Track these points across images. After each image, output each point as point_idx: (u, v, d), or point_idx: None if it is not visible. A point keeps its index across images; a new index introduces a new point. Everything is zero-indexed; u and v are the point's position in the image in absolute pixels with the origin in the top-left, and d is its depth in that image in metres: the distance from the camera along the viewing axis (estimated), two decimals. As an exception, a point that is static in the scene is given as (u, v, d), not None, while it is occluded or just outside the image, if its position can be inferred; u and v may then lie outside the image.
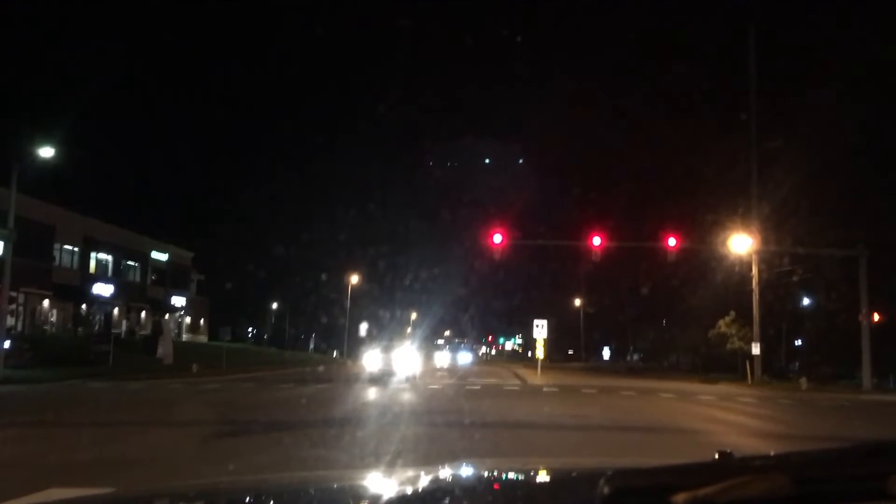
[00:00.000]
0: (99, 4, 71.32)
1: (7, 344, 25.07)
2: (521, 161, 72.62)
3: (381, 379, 27.59)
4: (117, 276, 47.27)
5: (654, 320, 58.96)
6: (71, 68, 60.15)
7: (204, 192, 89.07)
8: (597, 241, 30.42)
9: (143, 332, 47.71)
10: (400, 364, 32.38)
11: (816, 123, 34.28)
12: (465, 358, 70.72)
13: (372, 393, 21.64)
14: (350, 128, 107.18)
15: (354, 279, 56.52)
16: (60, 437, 10.40)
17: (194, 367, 29.84)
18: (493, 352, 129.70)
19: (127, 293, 48.24)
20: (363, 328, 63.74)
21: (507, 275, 68.98)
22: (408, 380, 28.06)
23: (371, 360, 32.28)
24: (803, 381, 30.73)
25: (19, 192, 25.53)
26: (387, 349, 34.49)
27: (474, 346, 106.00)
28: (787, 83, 40.17)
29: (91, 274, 44.29)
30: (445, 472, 2.53)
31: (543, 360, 38.18)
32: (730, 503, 1.17)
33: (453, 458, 8.02)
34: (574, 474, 2.26)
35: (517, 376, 36.31)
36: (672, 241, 30.32)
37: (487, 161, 68.15)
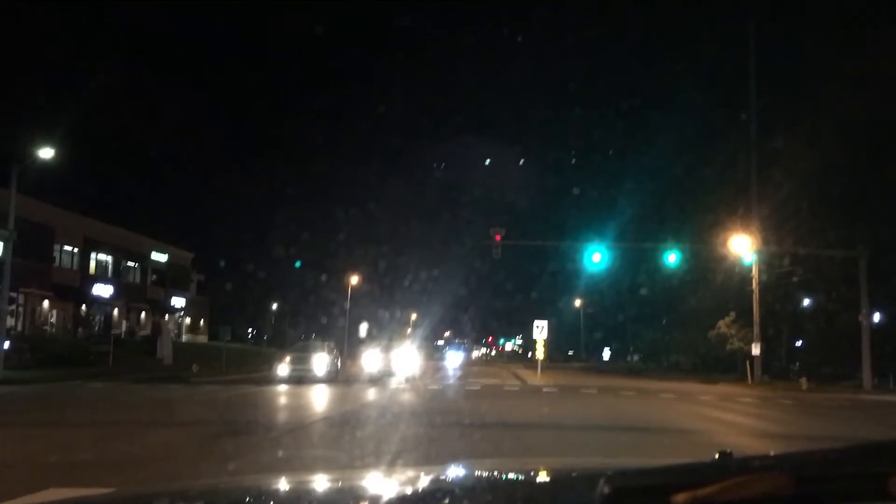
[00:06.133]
0: (99, 4, 71.33)
1: (7, 344, 25.03)
2: (521, 161, 72.67)
3: (379, 379, 27.57)
4: (117, 277, 47.23)
5: (654, 321, 58.97)
6: (71, 68, 60.15)
7: (204, 192, 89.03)
8: (596, 244, 30.53)
9: (143, 333, 47.69)
10: (399, 364, 32.31)
11: (816, 123, 34.32)
12: (455, 358, 67.47)
13: (371, 393, 21.64)
14: (350, 128, 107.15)
15: (354, 279, 56.51)
16: (60, 437, 10.40)
17: (194, 368, 29.82)
18: (493, 352, 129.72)
19: (127, 294, 48.22)
20: (363, 328, 63.69)
21: (507, 275, 69.11)
22: (407, 380, 28.06)
23: (370, 360, 32.16)
24: (803, 382, 30.73)
25: (19, 193, 25.50)
26: (386, 349, 34.43)
27: (467, 346, 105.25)
28: (787, 83, 40.20)
29: (91, 274, 44.26)
30: (445, 472, 2.53)
31: (543, 361, 38.17)
32: (730, 503, 1.17)
33: (453, 458, 8.02)
34: (574, 474, 2.26)
35: (517, 377, 36.30)
36: (672, 255, 30.90)
37: (488, 161, 68.17)
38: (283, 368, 26.51)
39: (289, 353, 28.61)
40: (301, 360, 26.86)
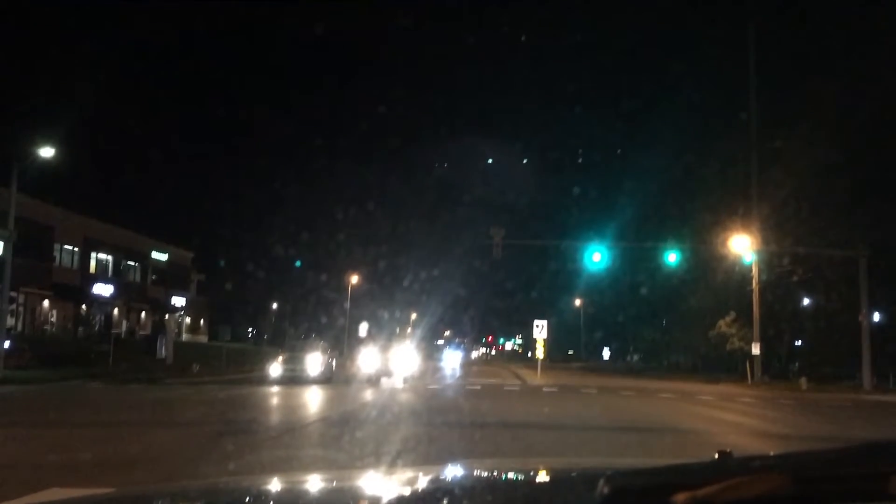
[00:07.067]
0: (99, 4, 71.29)
1: (7, 344, 25.02)
2: (522, 161, 72.74)
3: (377, 379, 27.41)
4: (117, 276, 47.23)
5: (654, 320, 58.98)
6: (71, 68, 60.13)
7: (204, 192, 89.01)
8: (596, 244, 30.57)
9: (143, 332, 47.69)
10: (398, 364, 32.14)
11: (816, 123, 34.30)
12: (454, 358, 64.27)
13: (371, 393, 21.63)
14: (350, 128, 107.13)
15: (354, 279, 56.53)
16: (60, 437, 10.40)
17: (195, 367, 29.82)
18: (493, 352, 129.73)
19: (127, 293, 48.20)
20: (363, 328, 63.70)
21: (507, 275, 69.10)
22: (405, 380, 27.96)
23: (368, 360, 31.89)
24: (803, 382, 30.74)
25: (19, 192, 25.51)
26: (384, 349, 34.18)
27: (467, 346, 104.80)
28: (787, 83, 40.20)
29: (91, 274, 44.26)
30: (445, 472, 2.53)
31: (543, 360, 38.17)
32: (730, 503, 1.17)
33: (453, 458, 8.02)
34: (574, 474, 2.26)
35: (517, 376, 36.32)
36: (672, 255, 30.85)
37: (488, 161, 68.28)
38: (275, 369, 26.04)
39: (281, 353, 28.11)
40: (294, 361, 26.33)
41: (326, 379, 26.24)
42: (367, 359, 31.76)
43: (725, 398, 23.06)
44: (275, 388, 22.37)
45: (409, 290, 60.00)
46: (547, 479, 2.21)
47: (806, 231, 34.87)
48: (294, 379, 24.86)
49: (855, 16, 38.83)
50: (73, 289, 41.33)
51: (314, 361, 26.52)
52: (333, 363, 29.98)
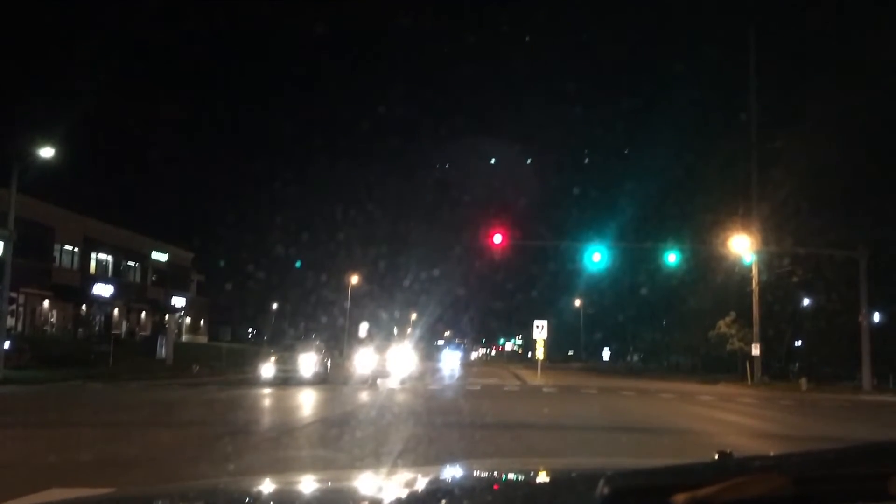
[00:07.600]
0: (98, 3, 71.30)
1: (7, 344, 25.01)
2: (522, 161, 72.79)
3: (373, 381, 27.13)
4: (117, 277, 47.22)
5: (654, 321, 58.97)
6: (71, 68, 60.10)
7: (204, 193, 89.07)
8: (596, 244, 30.56)
9: (143, 333, 47.69)
10: (395, 365, 31.91)
11: (816, 123, 34.29)
12: (453, 358, 63.38)
13: (368, 395, 21.59)
14: (350, 128, 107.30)
15: (354, 279, 56.53)
16: (60, 437, 10.39)
17: (194, 368, 29.80)
18: (493, 352, 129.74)
19: (127, 294, 48.19)
20: (363, 328, 63.69)
21: (506, 275, 69.13)
22: (403, 381, 27.81)
23: (363, 360, 31.55)
24: (803, 382, 30.73)
25: (19, 193, 25.50)
26: (380, 349, 33.87)
27: (466, 346, 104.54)
28: (787, 83, 40.19)
29: (91, 274, 44.24)
30: (445, 473, 2.53)
31: (543, 361, 38.14)
32: (730, 503, 1.17)
33: (453, 458, 8.02)
34: (574, 474, 2.25)
35: (517, 377, 36.31)
36: (672, 255, 30.83)
37: (488, 161, 68.35)
38: (267, 369, 25.31)
39: (274, 352, 27.36)
40: (287, 361, 25.63)
41: (321, 380, 25.60)
42: (364, 359, 31.49)
43: (725, 399, 23.06)
44: (272, 390, 22.34)
45: (409, 290, 60.06)
46: (547, 479, 2.21)
47: (806, 231, 34.86)
48: (287, 380, 24.27)
49: (855, 16, 38.83)
50: (73, 289, 41.31)
51: (308, 361, 25.85)
52: (328, 363, 29.29)
